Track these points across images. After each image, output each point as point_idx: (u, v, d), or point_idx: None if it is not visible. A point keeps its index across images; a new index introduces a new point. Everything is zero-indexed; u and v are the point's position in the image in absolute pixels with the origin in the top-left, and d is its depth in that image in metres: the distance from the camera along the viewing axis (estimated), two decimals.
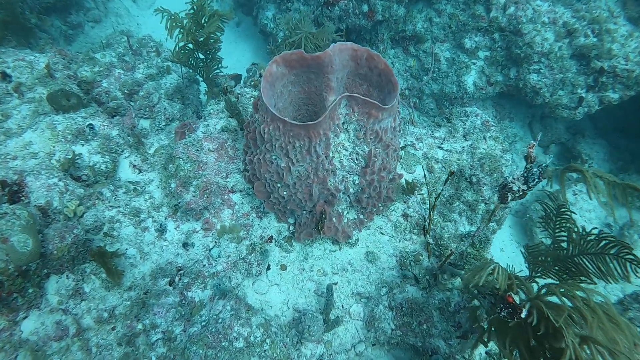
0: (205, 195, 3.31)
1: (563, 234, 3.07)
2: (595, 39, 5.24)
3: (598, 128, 6.88)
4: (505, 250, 5.86)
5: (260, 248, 3.33)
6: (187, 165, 3.31)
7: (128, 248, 3.29)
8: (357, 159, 2.90)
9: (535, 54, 5.45)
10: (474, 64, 5.99)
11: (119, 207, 3.39)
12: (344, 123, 2.74)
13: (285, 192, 2.97)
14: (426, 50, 6.33)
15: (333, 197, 2.99)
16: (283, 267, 3.38)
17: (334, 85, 2.87)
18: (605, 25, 5.18)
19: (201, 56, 4.65)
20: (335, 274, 3.41)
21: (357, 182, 3.00)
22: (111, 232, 3.29)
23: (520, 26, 5.44)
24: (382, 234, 3.56)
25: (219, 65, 4.72)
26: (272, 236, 3.44)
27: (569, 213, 3.09)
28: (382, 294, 3.27)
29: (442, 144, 3.89)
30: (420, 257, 3.40)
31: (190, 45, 4.45)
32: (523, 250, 3.24)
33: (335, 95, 2.91)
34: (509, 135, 6.59)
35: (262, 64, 4.54)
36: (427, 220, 3.03)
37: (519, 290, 2.33)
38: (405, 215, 3.57)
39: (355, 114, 2.68)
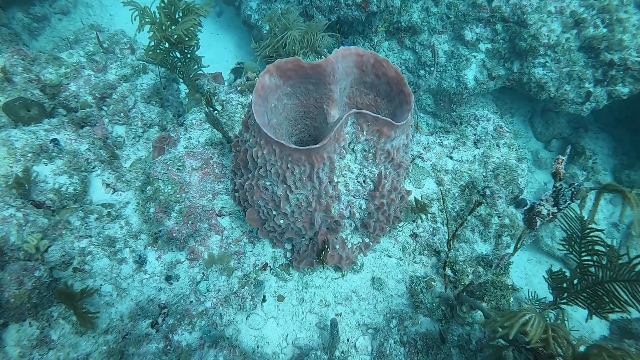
0: (190, 222, 2.90)
1: (589, 257, 2.76)
2: (605, 30, 4.91)
3: (600, 121, 6.61)
4: (525, 269, 5.54)
5: (254, 279, 2.95)
6: (167, 188, 2.89)
7: (102, 284, 2.87)
8: (364, 181, 2.52)
9: (541, 46, 5.09)
10: (475, 57, 5.61)
11: (90, 236, 2.96)
12: (350, 143, 2.35)
13: (282, 221, 2.58)
14: (423, 42, 5.92)
15: (337, 225, 2.61)
16: (280, 298, 3.01)
17: (336, 97, 2.46)
18: (616, 14, 4.85)
19: (178, 55, 4.17)
20: (339, 303, 3.05)
21: (364, 206, 2.62)
22: (82, 267, 2.86)
23: (525, 16, 5.07)
24: (389, 256, 3.20)
25: (199, 65, 4.25)
26: (266, 263, 3.05)
27: (597, 235, 2.77)
28: (392, 326, 2.93)
29: (451, 152, 3.52)
30: (433, 282, 3.06)
31: (165, 44, 3.96)
32: (546, 276, 2.92)
33: (338, 108, 2.51)
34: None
35: (249, 64, 4.09)
36: (447, 254, 2.67)
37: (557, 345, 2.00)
38: (414, 235, 3.22)
39: (364, 133, 2.29)
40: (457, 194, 3.46)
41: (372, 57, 2.45)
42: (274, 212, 2.56)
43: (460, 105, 6.10)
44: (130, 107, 4.41)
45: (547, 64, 5.21)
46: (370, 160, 2.41)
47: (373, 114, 2.16)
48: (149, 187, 2.94)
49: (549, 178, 6.18)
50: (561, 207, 2.42)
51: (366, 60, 2.46)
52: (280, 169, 2.26)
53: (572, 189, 2.38)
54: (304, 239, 2.78)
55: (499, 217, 3.43)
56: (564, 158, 2.53)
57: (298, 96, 2.49)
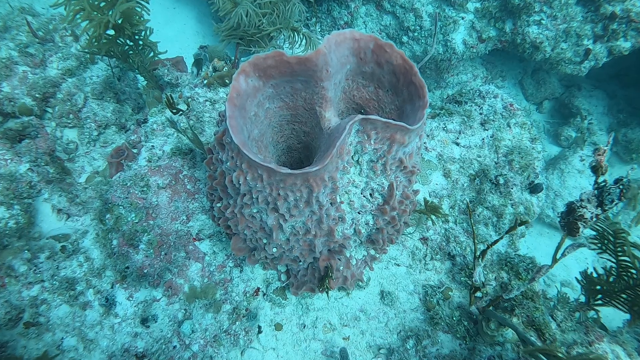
0: (163, 252, 2.41)
1: (627, 258, 2.43)
2: None
3: (592, 77, 6.25)
4: (525, 242, 5.16)
5: (246, 310, 2.52)
6: (130, 216, 2.38)
7: (64, 337, 2.39)
8: (371, 195, 2.07)
9: (537, 1, 4.61)
10: (463, 18, 5.09)
11: (42, 281, 2.44)
12: (355, 154, 1.87)
13: (275, 249, 2.12)
14: (404, 5, 5.35)
15: (342, 247, 2.18)
16: (278, 327, 2.60)
17: (330, 95, 1.96)
18: None
19: (129, 42, 3.52)
20: (345, 326, 2.67)
21: (371, 222, 2.18)
22: (36, 319, 2.37)
23: None
24: (398, 265, 2.81)
25: (155, 52, 3.61)
26: (258, 288, 2.62)
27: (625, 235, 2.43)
28: (408, 347, 2.57)
29: (457, 138, 3.09)
30: (450, 292, 2.70)
31: (107, 31, 3.30)
32: (580, 278, 2.59)
33: (333, 109, 2.01)
34: None
35: (214, 48, 3.49)
36: (473, 277, 2.28)
37: None
38: (424, 239, 2.82)
39: (372, 142, 1.82)
40: (466, 184, 3.06)
41: (372, 41, 1.94)
42: (265, 241, 2.10)
43: (448, 72, 5.62)
44: (80, 106, 3.80)
45: (542, 21, 4.74)
46: (379, 172, 1.95)
47: (383, 120, 1.68)
48: (108, 216, 2.42)
49: (544, 143, 5.85)
50: (607, 208, 2.04)
51: (364, 46, 1.95)
52: (269, 196, 1.79)
53: (621, 186, 2.00)
54: (301, 263, 2.34)
55: (513, 206, 3.06)
56: (606, 148, 2.13)
57: (282, 98, 1.98)
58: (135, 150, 3.43)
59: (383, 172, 1.96)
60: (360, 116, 1.67)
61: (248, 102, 1.80)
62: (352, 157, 1.87)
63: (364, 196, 2.06)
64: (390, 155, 1.87)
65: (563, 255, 2.07)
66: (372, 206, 2.10)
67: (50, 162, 3.04)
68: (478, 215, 3.04)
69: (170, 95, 2.58)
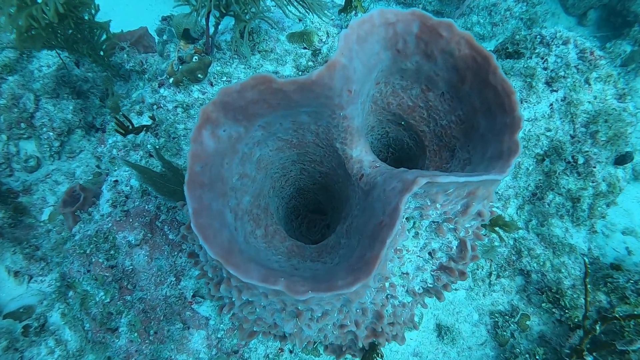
0: (152, 331, 1.82)
1: None
2: None
3: None
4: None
5: None
6: (99, 294, 1.76)
7: None
8: (431, 254, 1.39)
9: None
10: None
11: None
12: (409, 219, 1.17)
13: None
14: None
15: (392, 325, 1.55)
16: None
17: (357, 124, 1.21)
18: None
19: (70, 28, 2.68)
20: None
21: (429, 281, 1.52)
22: None
23: None
24: (455, 289, 2.20)
25: (107, 33, 2.77)
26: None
27: None
28: None
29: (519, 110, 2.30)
30: (527, 320, 2.10)
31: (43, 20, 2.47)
32: None
33: (363, 141, 1.26)
34: (539, 14, 4.83)
35: (182, 18, 2.62)
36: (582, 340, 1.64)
37: None
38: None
39: (438, 206, 1.10)
40: (531, 167, 2.34)
41: (416, 20, 1.14)
42: (285, 330, 1.47)
43: None
44: (31, 110, 3.10)
45: None
46: (446, 233, 1.26)
47: (462, 180, 0.95)
48: (71, 293, 1.80)
49: None
50: None
51: (403, 31, 1.16)
52: (284, 311, 1.13)
53: None
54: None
55: (593, 188, 2.35)
56: None
57: (280, 136, 1.24)
58: (102, 169, 2.75)
59: (451, 231, 1.26)
60: (422, 180, 0.94)
61: (225, 167, 1.07)
62: (406, 225, 1.16)
63: (421, 257, 1.38)
64: (465, 217, 1.16)
65: None
66: (433, 266, 1.43)
67: None
68: (549, 205, 2.35)
69: (124, 114, 1.83)
